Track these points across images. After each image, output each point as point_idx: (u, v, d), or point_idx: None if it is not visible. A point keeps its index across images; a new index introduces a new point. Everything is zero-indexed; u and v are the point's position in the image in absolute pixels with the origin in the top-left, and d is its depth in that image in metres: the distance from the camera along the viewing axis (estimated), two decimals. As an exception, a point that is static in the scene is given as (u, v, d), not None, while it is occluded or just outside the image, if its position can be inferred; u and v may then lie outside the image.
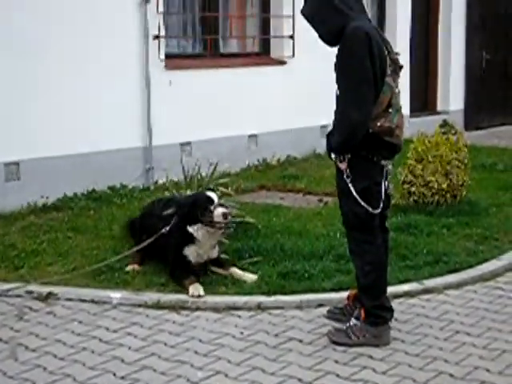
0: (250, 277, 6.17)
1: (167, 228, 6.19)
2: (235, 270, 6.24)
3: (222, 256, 6.46)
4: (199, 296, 5.83)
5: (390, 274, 5.68)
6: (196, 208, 6.11)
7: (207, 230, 6.11)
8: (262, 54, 11.42)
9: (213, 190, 6.53)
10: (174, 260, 6.21)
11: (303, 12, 5.03)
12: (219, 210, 6.03)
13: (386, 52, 4.92)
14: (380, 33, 5.03)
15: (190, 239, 6.15)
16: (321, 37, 5.00)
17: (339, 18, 4.86)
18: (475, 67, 15.08)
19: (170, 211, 6.25)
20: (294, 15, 10.70)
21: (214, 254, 6.33)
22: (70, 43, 8.66)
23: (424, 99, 14.57)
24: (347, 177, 4.97)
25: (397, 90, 5.00)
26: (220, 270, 6.31)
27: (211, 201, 6.12)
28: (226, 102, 10.35)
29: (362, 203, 4.96)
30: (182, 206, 6.25)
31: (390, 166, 5.12)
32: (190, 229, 6.11)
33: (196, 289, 5.88)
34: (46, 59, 8.45)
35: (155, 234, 6.34)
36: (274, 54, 11.42)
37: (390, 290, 5.59)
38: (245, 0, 11.28)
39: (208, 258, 6.30)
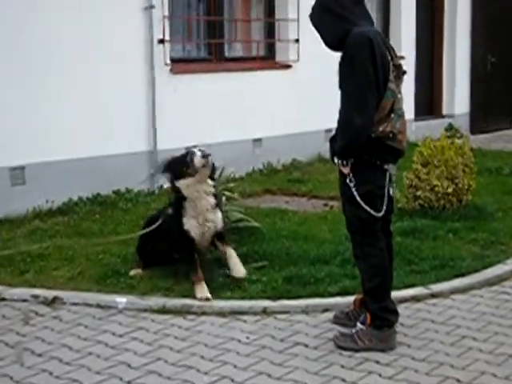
0: (240, 271, 6.16)
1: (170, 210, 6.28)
2: (231, 253, 6.24)
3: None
4: (207, 299, 5.86)
5: (396, 278, 5.71)
6: (179, 164, 6.15)
7: (192, 183, 6.09)
8: (268, 58, 11.44)
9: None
10: (178, 241, 6.22)
11: (311, 18, 5.11)
12: (198, 156, 6.02)
13: (389, 57, 4.96)
14: (383, 38, 5.08)
15: (182, 204, 6.15)
16: (325, 42, 5.06)
17: (342, 24, 4.92)
18: (481, 70, 15.07)
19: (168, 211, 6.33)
20: (298, 19, 10.75)
21: (219, 223, 6.26)
22: (75, 48, 8.70)
23: (429, 103, 14.58)
24: (350, 181, 5.01)
25: (399, 96, 5.03)
26: (219, 245, 6.31)
27: (191, 153, 6.13)
28: (230, 107, 10.39)
29: (365, 207, 5.00)
30: (168, 167, 6.30)
31: (393, 170, 5.14)
32: (178, 184, 6.12)
33: (203, 291, 5.91)
34: (52, 64, 8.51)
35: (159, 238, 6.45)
36: (279, 57, 11.45)
37: (396, 294, 5.63)
38: (250, 4, 11.31)
39: (213, 231, 6.23)
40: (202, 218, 6.18)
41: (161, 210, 6.90)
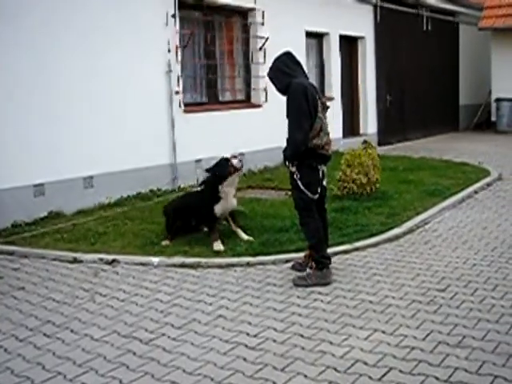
0: (247, 237, 6.17)
1: (201, 187, 6.14)
2: (239, 230, 6.25)
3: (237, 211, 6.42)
4: (219, 251, 5.83)
5: (331, 239, 5.76)
6: (220, 166, 6.10)
7: (230, 180, 6.05)
8: (246, 101, 11.42)
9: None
10: (206, 214, 6.12)
11: (268, 75, 5.16)
12: (234, 160, 6.06)
13: (317, 98, 5.03)
14: (313, 85, 5.15)
15: (218, 197, 6.06)
16: (277, 89, 5.13)
17: (287, 78, 5.02)
18: (382, 105, 15.16)
19: (200, 184, 6.18)
20: (265, 75, 10.68)
21: (234, 203, 6.20)
22: (127, 96, 8.69)
23: (351, 126, 14.55)
24: (296, 176, 5.06)
25: (325, 121, 5.10)
26: (231, 224, 6.23)
27: (227, 159, 6.12)
28: (223, 133, 10.35)
29: (306, 192, 5.05)
30: (209, 170, 6.21)
31: (324, 169, 5.19)
32: (220, 187, 6.02)
33: (218, 245, 5.90)
34: (118, 108, 8.50)
35: (188, 214, 6.32)
36: (253, 100, 11.42)
37: (332, 249, 5.69)
38: (234, 66, 11.28)
39: (231, 209, 6.18)
40: (228, 201, 6.15)
41: (177, 198, 6.82)
